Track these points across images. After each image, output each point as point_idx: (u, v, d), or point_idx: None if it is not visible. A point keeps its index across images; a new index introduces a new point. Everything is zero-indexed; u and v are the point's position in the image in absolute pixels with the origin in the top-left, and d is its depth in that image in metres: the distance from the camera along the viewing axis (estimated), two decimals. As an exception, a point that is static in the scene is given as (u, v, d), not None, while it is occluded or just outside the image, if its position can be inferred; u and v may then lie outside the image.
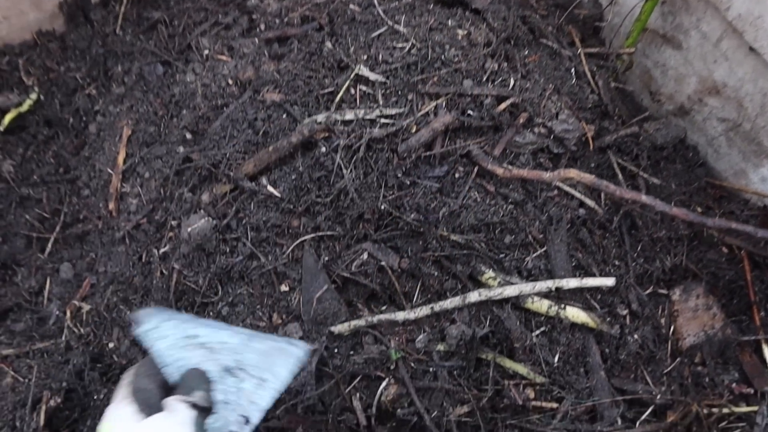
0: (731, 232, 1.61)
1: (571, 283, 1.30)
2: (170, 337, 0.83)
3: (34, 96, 1.58)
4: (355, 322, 1.30)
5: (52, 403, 1.11)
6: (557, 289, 1.31)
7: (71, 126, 1.62)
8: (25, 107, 1.56)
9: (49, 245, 1.53)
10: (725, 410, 1.39)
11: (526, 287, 1.29)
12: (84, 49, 1.64)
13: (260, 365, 0.84)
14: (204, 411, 0.80)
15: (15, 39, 1.64)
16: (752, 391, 1.45)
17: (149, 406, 0.79)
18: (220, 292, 1.33)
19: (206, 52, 1.51)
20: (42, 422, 1.09)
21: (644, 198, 1.18)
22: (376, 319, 1.30)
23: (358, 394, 1.35)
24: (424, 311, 1.30)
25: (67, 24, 1.68)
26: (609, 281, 1.32)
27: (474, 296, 1.29)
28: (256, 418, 0.82)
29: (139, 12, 1.65)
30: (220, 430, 0.81)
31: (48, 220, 1.56)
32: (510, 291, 1.29)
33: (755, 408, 1.41)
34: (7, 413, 1.09)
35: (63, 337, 1.29)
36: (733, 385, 1.46)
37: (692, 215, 1.19)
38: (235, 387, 0.83)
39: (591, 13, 1.86)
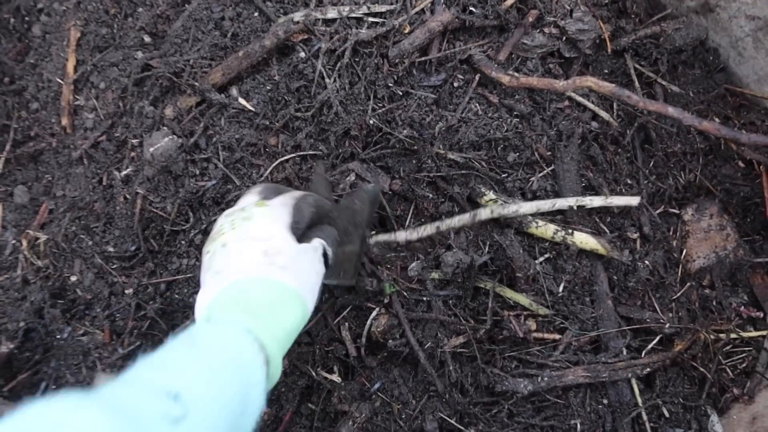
0: (758, 148, 1.47)
1: (596, 201, 1.17)
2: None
3: (-36, -9, 1.35)
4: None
5: (8, 347, 1.00)
6: (579, 207, 1.18)
7: (12, 27, 1.41)
8: (-46, 4, 1.33)
9: (0, 165, 1.37)
10: (732, 335, 1.33)
11: (544, 205, 1.16)
12: (19, -66, 1.39)
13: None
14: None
15: None
16: (761, 315, 1.38)
17: (297, 228, 0.85)
18: (191, 220, 1.20)
19: (161, -64, 1.27)
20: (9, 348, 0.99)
21: (671, 110, 1.03)
22: (372, 240, 1.19)
23: (347, 324, 1.26)
24: (428, 230, 1.18)
25: None
26: (634, 200, 1.20)
27: (485, 213, 1.16)
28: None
29: None
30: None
31: (-3, 136, 1.39)
32: (526, 208, 1.16)
33: (763, 332, 1.35)
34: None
35: (19, 271, 1.17)
36: (741, 308, 1.39)
37: (725, 130, 1.05)
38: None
39: None
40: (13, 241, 1.27)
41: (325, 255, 0.89)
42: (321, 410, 1.26)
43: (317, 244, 0.86)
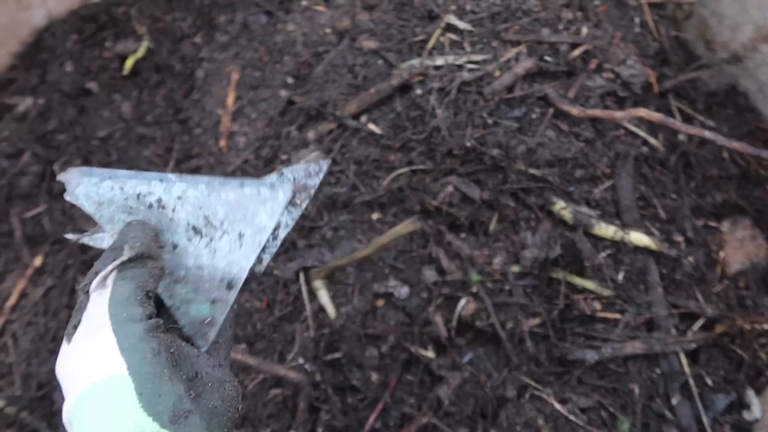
0: (778, 171, 1.76)
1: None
2: (115, 201, 0.65)
3: (145, 44, 1.76)
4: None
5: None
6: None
7: (178, 72, 1.80)
8: (140, 53, 1.74)
9: (165, 178, 1.74)
10: (765, 326, 1.58)
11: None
12: (188, 1, 1.80)
13: (234, 218, 0.67)
14: (141, 259, 0.61)
15: (126, -9, 1.81)
16: (791, 311, 1.63)
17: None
18: (325, 218, 1.53)
19: (304, 3, 1.66)
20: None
21: (707, 133, 1.34)
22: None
23: (439, 311, 1.56)
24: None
25: (170, -23, 1.84)
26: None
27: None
28: (239, 280, 0.67)
29: (238, -36, 1.81)
30: (196, 301, 0.66)
31: (162, 156, 1.77)
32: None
33: (793, 325, 1.60)
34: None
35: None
36: (774, 306, 1.64)
37: (750, 148, 1.35)
38: (207, 247, 0.66)
39: (652, -36, 1.96)
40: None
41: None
42: (419, 380, 1.55)
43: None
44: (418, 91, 1.48)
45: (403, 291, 1.58)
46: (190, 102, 1.76)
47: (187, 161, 1.75)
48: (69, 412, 0.53)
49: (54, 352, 1.32)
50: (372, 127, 1.49)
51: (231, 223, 0.67)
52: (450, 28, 1.53)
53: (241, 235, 0.67)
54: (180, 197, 0.66)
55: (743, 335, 1.55)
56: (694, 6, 1.89)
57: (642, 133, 1.58)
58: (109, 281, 0.58)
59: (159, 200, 0.66)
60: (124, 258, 0.59)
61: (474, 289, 1.55)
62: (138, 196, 0.65)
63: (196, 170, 1.73)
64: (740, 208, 1.76)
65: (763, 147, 1.93)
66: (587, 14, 1.61)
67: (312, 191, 0.70)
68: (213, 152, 1.71)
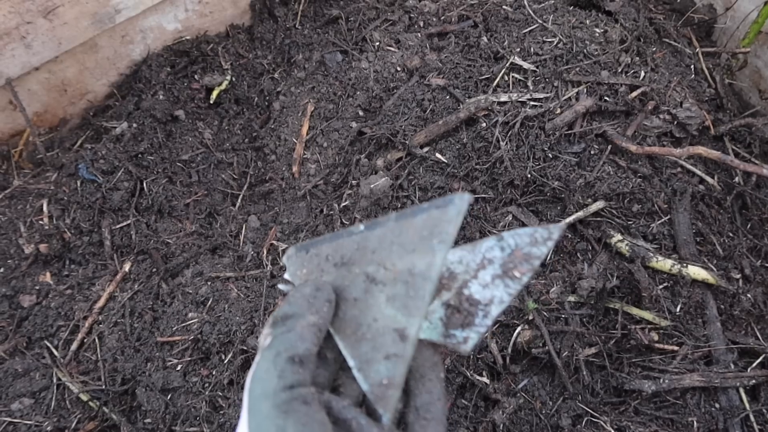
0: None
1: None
2: (312, 269, 0.65)
3: (228, 77, 1.92)
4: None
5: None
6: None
7: (256, 104, 1.96)
8: (223, 86, 1.90)
9: (239, 201, 1.86)
10: (827, 369, 1.57)
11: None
12: (269, 40, 1.97)
13: (406, 255, 0.58)
14: (284, 319, 0.58)
15: (214, 30, 1.99)
16: None
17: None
18: (390, 240, 1.62)
19: (377, 43, 1.81)
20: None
21: (765, 171, 1.39)
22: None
23: (494, 339, 1.60)
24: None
25: (253, 19, 2.02)
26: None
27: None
28: (414, 326, 0.57)
29: (315, 9, 1.98)
30: (375, 359, 0.58)
31: (237, 180, 1.90)
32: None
33: None
34: (244, 316, 1.42)
35: (267, 269, 1.61)
36: (835, 350, 1.63)
37: (809, 187, 1.39)
38: (384, 296, 0.60)
39: (706, 17, 2.05)
40: (252, 252, 1.73)
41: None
42: (473, 404, 1.58)
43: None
44: (483, 124, 1.58)
45: (461, 316, 1.63)
46: (267, 131, 1.90)
47: (261, 185, 1.87)
48: None
49: (139, 351, 1.41)
50: (438, 156, 1.59)
51: (403, 262, 0.58)
52: (515, 68, 1.64)
53: (411, 273, 0.58)
54: (358, 248, 0.62)
55: (804, 377, 1.54)
56: (748, 56, 1.96)
57: (699, 172, 1.63)
58: (259, 353, 0.55)
59: (342, 256, 0.63)
60: (270, 321, 0.57)
61: (530, 317, 1.59)
62: (327, 257, 0.64)
63: (268, 193, 1.86)
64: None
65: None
66: (645, 59, 1.70)
67: (537, 263, 0.57)
68: (285, 177, 1.83)
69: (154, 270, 1.57)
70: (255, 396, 0.51)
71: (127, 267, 1.55)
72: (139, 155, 1.74)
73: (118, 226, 1.66)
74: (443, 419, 0.60)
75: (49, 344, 1.48)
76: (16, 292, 1.57)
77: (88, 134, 1.86)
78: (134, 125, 1.78)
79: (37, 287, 1.58)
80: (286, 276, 0.68)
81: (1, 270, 1.61)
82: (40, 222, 1.67)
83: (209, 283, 1.52)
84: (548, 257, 1.64)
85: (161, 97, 1.83)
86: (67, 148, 1.85)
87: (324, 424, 0.50)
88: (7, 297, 1.56)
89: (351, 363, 0.60)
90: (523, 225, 1.62)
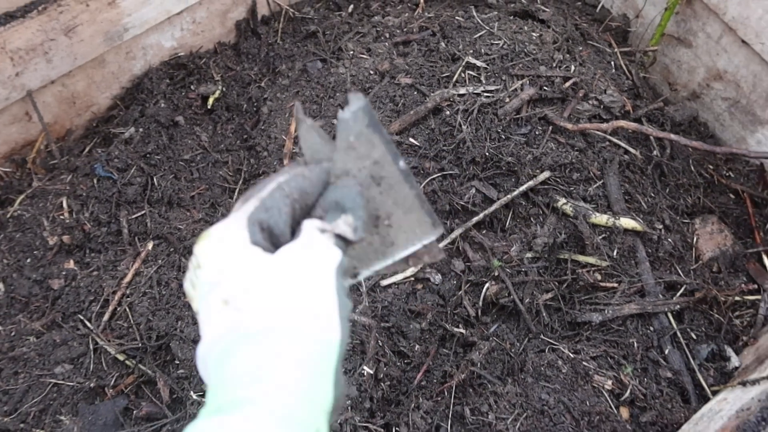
0: (736, 178, 2.18)
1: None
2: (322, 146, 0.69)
3: (220, 87, 2.19)
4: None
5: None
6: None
7: (245, 110, 2.22)
8: (217, 94, 2.16)
9: (236, 194, 2.11)
10: (737, 298, 1.93)
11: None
12: (254, 54, 2.25)
13: (397, 223, 0.67)
14: (347, 244, 0.62)
15: (205, 47, 2.25)
16: (756, 287, 1.99)
17: (274, 234, 0.60)
18: (374, 215, 1.90)
19: (351, 52, 2.11)
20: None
21: (672, 136, 1.75)
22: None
23: (467, 296, 1.90)
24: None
25: (239, 37, 2.30)
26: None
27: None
28: (362, 275, 0.66)
29: (294, 27, 2.27)
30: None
31: (233, 176, 2.15)
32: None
33: (759, 297, 1.95)
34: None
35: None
36: (742, 285, 2.00)
37: (706, 145, 1.76)
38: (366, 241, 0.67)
39: (621, 24, 2.46)
40: (253, 235, 1.98)
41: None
42: (453, 352, 1.86)
43: (309, 234, 0.60)
44: (447, 112, 1.89)
45: (437, 278, 1.92)
46: (257, 132, 2.16)
47: (255, 178, 2.13)
48: None
49: (169, 312, 1.64)
50: (412, 140, 1.89)
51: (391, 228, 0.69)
52: (469, 66, 1.97)
53: (391, 243, 0.69)
54: (384, 176, 0.68)
55: (719, 304, 1.89)
56: (657, 53, 2.37)
57: (623, 144, 2.00)
58: (331, 246, 0.62)
59: (376, 161, 0.67)
60: (352, 239, 0.65)
61: (496, 273, 1.89)
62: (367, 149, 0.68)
63: (261, 186, 2.11)
64: (708, 208, 2.15)
65: (723, 164, 2.36)
66: (574, 56, 2.07)
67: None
68: (277, 170, 2.09)
69: (172, 249, 1.80)
70: (343, 293, 0.61)
71: (150, 246, 1.78)
72: (148, 155, 1.98)
73: (133, 217, 1.88)
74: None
75: (82, 317, 1.68)
76: (45, 277, 1.76)
77: (96, 140, 2.07)
78: (141, 129, 2.01)
79: (63, 273, 1.78)
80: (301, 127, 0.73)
81: (29, 261, 1.80)
82: (61, 217, 1.87)
83: (223, 256, 1.76)
84: (507, 223, 1.95)
85: (163, 104, 2.07)
86: (77, 154, 2.06)
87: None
88: (38, 282, 1.75)
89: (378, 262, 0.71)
90: (485, 196, 1.93)
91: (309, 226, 0.61)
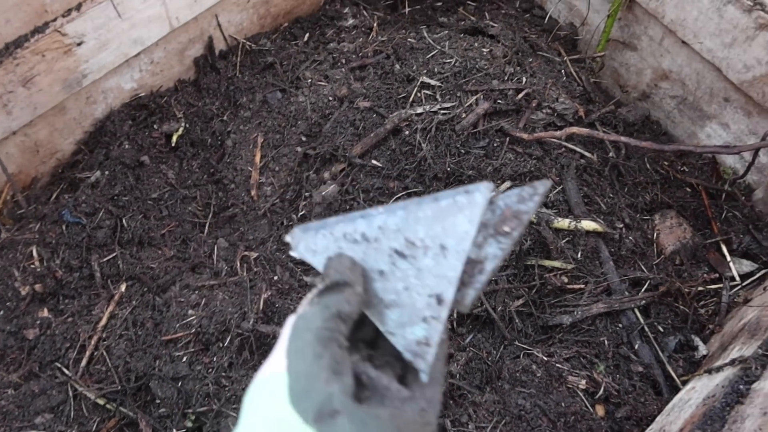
0: (691, 172, 2.26)
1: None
2: (327, 246, 0.72)
3: (183, 124, 2.22)
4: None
5: (266, 296, 1.70)
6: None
7: (210, 144, 2.25)
8: (180, 131, 2.19)
9: (206, 227, 2.13)
10: (700, 288, 2.00)
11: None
12: (215, 89, 2.29)
13: (434, 232, 0.66)
14: (334, 287, 0.64)
15: (165, 86, 2.29)
16: (717, 276, 2.06)
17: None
18: (344, 237, 1.94)
19: (309, 80, 2.16)
20: (261, 307, 1.68)
21: (622, 138, 1.83)
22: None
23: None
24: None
25: (198, 73, 2.34)
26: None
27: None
28: (449, 292, 0.64)
29: (251, 59, 2.32)
30: (410, 323, 0.66)
31: (202, 210, 2.17)
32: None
33: (720, 285, 2.03)
34: (234, 307, 1.68)
35: (244, 275, 1.89)
36: (704, 275, 2.08)
37: (655, 144, 1.83)
38: (413, 268, 0.67)
39: (568, 32, 2.55)
40: (226, 267, 2.00)
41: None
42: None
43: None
44: (407, 132, 1.95)
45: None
46: (223, 165, 2.19)
47: (224, 211, 2.15)
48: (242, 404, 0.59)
49: (147, 352, 1.65)
50: (374, 162, 1.94)
51: (432, 239, 0.65)
52: (424, 85, 2.03)
53: (443, 248, 0.65)
54: (380, 227, 0.68)
55: (683, 296, 1.96)
56: (605, 58, 2.46)
57: (579, 149, 2.07)
58: (303, 305, 0.62)
59: (363, 234, 0.68)
60: (320, 287, 0.64)
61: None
62: (344, 235, 0.70)
63: (232, 217, 2.14)
64: (666, 203, 2.23)
65: (677, 159, 2.45)
66: (524, 68, 2.14)
67: (526, 218, 0.63)
68: (245, 201, 2.12)
69: (146, 289, 1.81)
70: (299, 327, 0.58)
71: (123, 288, 1.79)
72: (115, 197, 1.99)
73: (105, 259, 1.89)
74: (441, 380, 0.66)
75: (60, 365, 1.69)
76: (20, 328, 1.76)
77: (63, 186, 2.08)
78: (107, 172, 2.03)
79: (38, 321, 1.78)
80: (294, 254, 0.74)
81: (2, 313, 1.80)
82: (32, 266, 1.88)
83: (197, 291, 1.78)
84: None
85: (127, 146, 2.09)
86: (44, 202, 2.06)
87: (349, 372, 0.57)
88: (12, 333, 1.75)
89: (382, 327, 0.68)
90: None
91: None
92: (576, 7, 2.56)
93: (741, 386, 1.40)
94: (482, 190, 0.62)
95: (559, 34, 2.56)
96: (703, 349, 1.85)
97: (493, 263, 0.65)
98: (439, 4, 2.70)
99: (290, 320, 0.60)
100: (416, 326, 0.65)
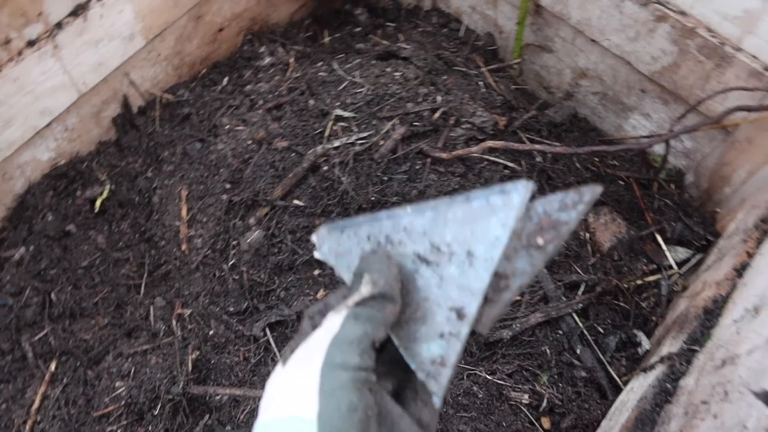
0: (621, 165, 2.28)
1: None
2: (351, 248, 0.67)
3: (108, 186, 2.19)
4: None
5: (193, 357, 1.68)
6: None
7: (138, 202, 2.23)
8: (105, 195, 2.16)
9: (142, 288, 2.11)
10: (639, 281, 2.00)
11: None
12: (136, 146, 2.27)
13: (462, 237, 0.57)
14: (381, 299, 0.57)
15: (85, 150, 2.26)
16: (656, 267, 2.07)
17: None
18: (276, 282, 1.92)
19: (227, 126, 2.15)
20: (190, 368, 1.65)
21: (537, 146, 1.83)
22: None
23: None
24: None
25: (118, 132, 2.32)
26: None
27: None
28: (473, 306, 0.57)
29: (170, 112, 2.30)
30: (427, 338, 0.59)
31: (137, 271, 2.14)
32: None
33: (659, 276, 2.03)
34: (164, 372, 1.65)
35: (178, 334, 1.86)
36: (644, 267, 2.08)
37: (569, 149, 1.84)
38: (435, 276, 0.60)
39: (486, 42, 2.57)
40: (164, 327, 1.97)
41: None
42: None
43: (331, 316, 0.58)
44: (325, 168, 1.94)
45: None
46: (152, 222, 2.17)
47: (158, 269, 2.13)
48: None
49: (80, 431, 1.61)
50: (297, 202, 1.92)
51: (459, 244, 0.58)
52: (339, 118, 2.03)
53: (470, 254, 0.57)
54: (406, 228, 0.62)
55: (623, 292, 1.96)
56: (522, 64, 2.48)
57: (501, 161, 2.07)
58: (340, 317, 0.55)
59: (387, 236, 0.63)
60: (365, 294, 0.57)
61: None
62: (368, 237, 0.65)
63: (166, 274, 2.11)
64: (599, 200, 2.23)
65: (609, 154, 2.46)
66: (438, 87, 2.15)
67: (565, 230, 0.54)
68: (177, 256, 2.10)
69: (78, 363, 1.78)
70: (334, 359, 0.52)
71: (53, 367, 1.75)
72: (42, 272, 1.96)
73: (36, 338, 1.86)
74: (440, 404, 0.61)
75: (-5, 456, 1.65)
76: (-47, 422, 1.72)
77: (-12, 269, 2.05)
78: (31, 247, 2.00)
79: (-28, 412, 1.74)
80: (318, 255, 0.70)
81: (-66, 408, 1.76)
82: (-38, 355, 1.83)
83: (129, 359, 1.75)
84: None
85: (50, 218, 2.07)
86: (-29, 287, 2.02)
87: (376, 425, 0.52)
88: (-54, 428, 1.71)
89: (396, 341, 0.61)
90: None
91: (331, 312, 0.59)
92: (489, 17, 2.58)
93: (668, 384, 1.40)
94: (520, 190, 0.54)
95: (477, 44, 2.57)
96: (646, 344, 1.85)
97: (520, 280, 0.56)
98: (358, 29, 2.71)
99: (322, 336, 0.54)
100: (433, 342, 0.59)
